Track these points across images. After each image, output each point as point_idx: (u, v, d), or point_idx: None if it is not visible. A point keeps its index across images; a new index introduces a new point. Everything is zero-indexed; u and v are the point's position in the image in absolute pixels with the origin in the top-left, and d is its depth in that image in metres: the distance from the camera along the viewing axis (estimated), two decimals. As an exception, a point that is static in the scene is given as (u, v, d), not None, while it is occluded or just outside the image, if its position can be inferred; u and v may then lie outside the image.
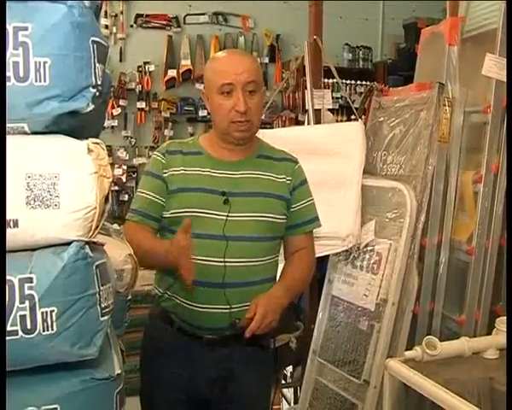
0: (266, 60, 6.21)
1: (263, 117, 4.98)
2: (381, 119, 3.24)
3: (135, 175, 5.87)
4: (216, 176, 2.14)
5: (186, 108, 6.07)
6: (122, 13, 5.96)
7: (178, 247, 1.94)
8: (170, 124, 6.05)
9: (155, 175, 2.16)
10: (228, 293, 2.07)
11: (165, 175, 2.13)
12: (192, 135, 6.05)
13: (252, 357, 2.15)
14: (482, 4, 3.08)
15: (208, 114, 5.94)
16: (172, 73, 5.97)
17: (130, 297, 1.93)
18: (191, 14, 6.08)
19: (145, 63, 5.96)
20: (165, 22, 6.05)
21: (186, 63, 6.02)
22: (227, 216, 2.08)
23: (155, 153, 2.22)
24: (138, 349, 2.29)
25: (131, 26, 6.03)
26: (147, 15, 6.02)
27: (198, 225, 2.05)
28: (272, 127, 5.52)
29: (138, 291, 3.12)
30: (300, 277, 2.28)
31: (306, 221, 2.27)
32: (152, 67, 5.97)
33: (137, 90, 5.95)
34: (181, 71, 6.01)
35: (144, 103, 5.95)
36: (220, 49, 6.00)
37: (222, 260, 2.06)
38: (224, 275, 2.06)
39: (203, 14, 6.10)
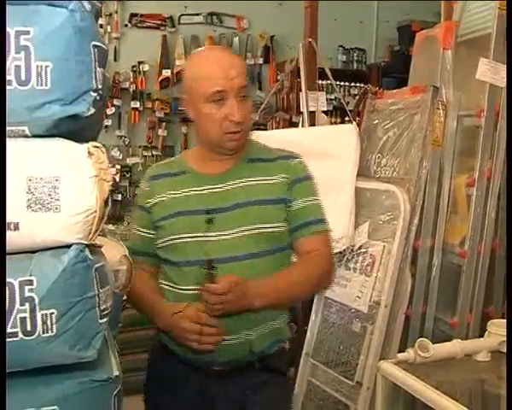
0: (260, 61, 6.20)
1: (257, 118, 4.98)
2: (376, 121, 3.26)
3: (128, 175, 5.87)
4: (201, 193, 1.95)
5: (180, 109, 6.06)
6: (116, 12, 5.93)
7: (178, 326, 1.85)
8: (164, 124, 6.04)
9: (140, 207, 2.04)
10: (244, 318, 1.87)
11: (149, 205, 1.99)
12: (186, 135, 6.05)
13: (266, 384, 1.96)
14: (476, 9, 3.10)
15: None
16: (167, 73, 5.96)
17: (125, 298, 1.93)
18: (186, 15, 6.07)
19: (139, 63, 5.95)
20: (159, 22, 6.03)
21: (180, 63, 6.01)
22: (210, 236, 1.88)
23: (141, 181, 2.09)
24: (132, 348, 2.30)
25: (126, 25, 6.01)
26: (141, 15, 6.00)
27: (187, 251, 1.91)
28: (266, 129, 5.51)
29: (132, 291, 3.11)
30: (297, 281, 1.99)
31: (308, 222, 2.00)
32: (146, 67, 5.95)
33: (131, 90, 5.93)
34: (175, 71, 6.00)
35: (138, 103, 5.94)
36: (215, 50, 5.99)
37: None
38: None
39: (198, 14, 6.09)
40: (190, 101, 1.93)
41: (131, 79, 5.93)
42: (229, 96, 1.86)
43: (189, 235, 1.90)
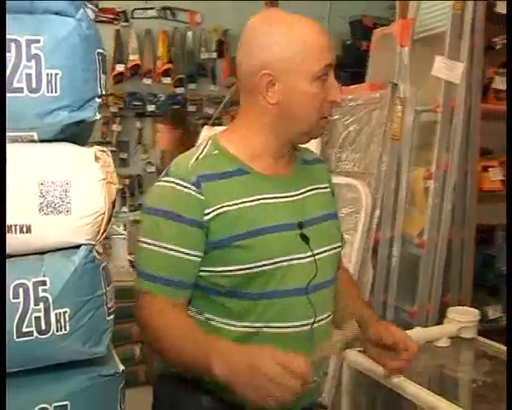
0: (214, 55, 6.20)
1: (211, 112, 4.92)
2: (336, 117, 3.33)
3: (82, 171, 5.83)
4: (278, 202, 1.49)
5: (134, 103, 6.03)
6: (68, 6, 5.86)
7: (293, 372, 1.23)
8: (118, 119, 6.01)
9: (188, 220, 1.43)
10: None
11: (207, 218, 1.42)
12: (141, 130, 6.01)
13: None
14: (431, 8, 3.20)
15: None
16: (120, 67, 5.92)
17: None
18: (139, 9, 6.03)
19: (92, 57, 5.91)
20: (112, 16, 5.98)
21: (134, 58, 5.97)
22: (306, 257, 1.49)
23: (177, 181, 1.45)
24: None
25: (78, 19, 5.95)
26: (94, 9, 5.96)
27: (276, 279, 1.44)
28: (221, 124, 5.52)
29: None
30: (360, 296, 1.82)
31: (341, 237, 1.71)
32: (99, 62, 5.91)
33: (85, 85, 5.88)
34: (129, 66, 5.97)
35: (92, 98, 5.89)
36: (169, 45, 5.97)
37: (311, 321, 1.48)
38: (312, 342, 1.47)
39: (151, 8, 6.06)
40: (283, 79, 1.46)
41: (85, 74, 5.87)
42: (330, 72, 1.49)
43: (281, 259, 1.45)
